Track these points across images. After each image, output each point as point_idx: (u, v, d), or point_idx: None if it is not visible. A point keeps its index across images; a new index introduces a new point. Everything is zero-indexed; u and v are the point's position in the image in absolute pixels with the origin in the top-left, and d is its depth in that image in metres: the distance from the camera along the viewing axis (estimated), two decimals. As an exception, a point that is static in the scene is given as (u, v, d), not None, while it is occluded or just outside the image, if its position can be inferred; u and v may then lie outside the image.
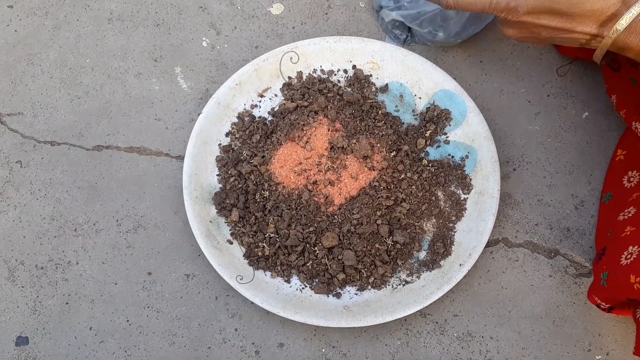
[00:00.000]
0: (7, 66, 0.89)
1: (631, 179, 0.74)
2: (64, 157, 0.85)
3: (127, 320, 0.78)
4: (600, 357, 0.74)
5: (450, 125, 0.82)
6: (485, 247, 0.76)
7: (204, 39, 0.90)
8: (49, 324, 0.78)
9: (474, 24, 0.83)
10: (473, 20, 0.82)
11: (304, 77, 0.85)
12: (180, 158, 0.84)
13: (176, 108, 0.87)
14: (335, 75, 0.86)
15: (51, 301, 0.79)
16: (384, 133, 0.81)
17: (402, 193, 0.78)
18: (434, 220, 0.78)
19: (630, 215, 0.69)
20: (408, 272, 0.76)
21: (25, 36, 0.91)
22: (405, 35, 0.87)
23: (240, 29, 0.90)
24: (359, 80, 0.85)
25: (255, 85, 0.84)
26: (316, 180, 0.79)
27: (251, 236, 0.78)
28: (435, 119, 0.82)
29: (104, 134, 0.86)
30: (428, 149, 0.82)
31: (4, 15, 0.92)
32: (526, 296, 0.76)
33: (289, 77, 0.85)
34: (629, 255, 0.63)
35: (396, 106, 0.84)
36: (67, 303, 0.79)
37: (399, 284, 0.76)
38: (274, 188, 0.79)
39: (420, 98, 0.84)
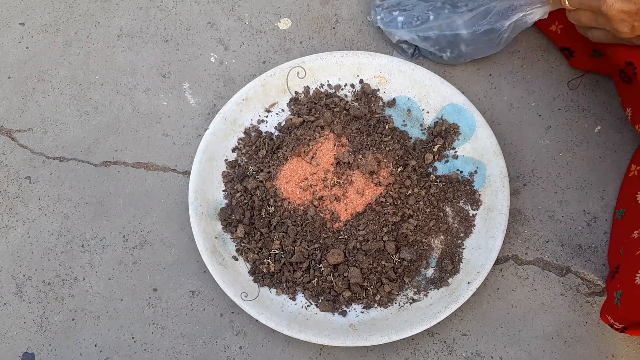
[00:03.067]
0: (18, 82, 0.90)
1: (645, 196, 0.72)
2: (72, 172, 0.85)
3: (132, 337, 0.77)
4: (614, 378, 0.72)
5: (458, 139, 0.81)
6: (494, 264, 0.74)
7: (212, 54, 0.90)
8: (55, 340, 0.78)
9: (484, 48, 0.81)
10: (484, 44, 0.81)
11: (311, 92, 0.85)
12: (187, 173, 0.84)
13: (184, 123, 0.87)
14: (342, 89, 0.85)
15: (57, 317, 0.79)
16: (390, 148, 0.80)
17: (409, 209, 0.77)
18: (441, 236, 0.77)
19: (644, 233, 0.67)
20: (415, 290, 0.75)
21: (37, 53, 0.92)
22: (412, 49, 0.86)
23: (248, 45, 0.90)
24: (366, 94, 0.84)
25: (262, 101, 0.84)
26: (322, 196, 0.78)
27: (256, 252, 0.77)
28: (444, 133, 0.81)
29: (112, 150, 0.86)
30: (436, 164, 0.81)
31: (16, 32, 0.93)
32: (537, 315, 0.75)
33: (296, 92, 0.85)
34: (643, 275, 0.62)
35: (404, 121, 0.84)
36: (73, 319, 0.79)
37: (406, 302, 0.74)
38: (280, 204, 0.78)
39: (428, 112, 0.83)
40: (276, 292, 0.76)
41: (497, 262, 0.77)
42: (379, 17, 0.86)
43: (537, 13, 0.72)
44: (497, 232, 0.74)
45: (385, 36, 0.88)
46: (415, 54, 0.86)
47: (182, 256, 0.80)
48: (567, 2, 0.59)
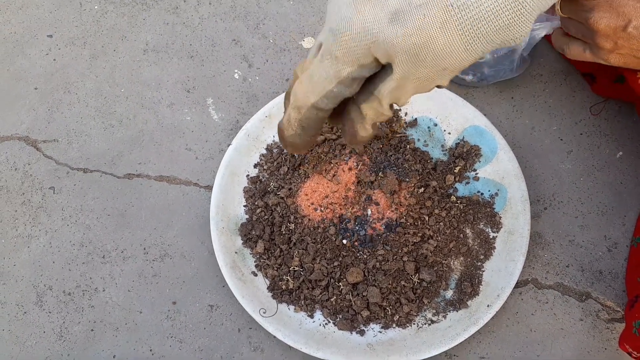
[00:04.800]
0: (44, 94, 0.92)
1: (666, 223, 0.72)
2: (96, 184, 0.86)
3: (150, 350, 0.78)
4: (633, 407, 0.71)
5: (480, 161, 0.81)
6: (514, 287, 0.74)
7: (236, 71, 0.91)
8: (74, 350, 0.78)
9: (505, 70, 0.82)
10: (506, 66, 0.81)
11: (334, 111, 0.85)
12: (209, 188, 0.84)
13: (207, 138, 0.88)
14: (364, 109, 0.86)
15: (77, 327, 0.79)
16: (412, 168, 0.80)
17: (429, 230, 0.77)
18: (461, 258, 0.77)
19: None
20: (434, 311, 0.75)
21: (64, 65, 0.93)
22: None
23: (272, 62, 0.91)
24: (389, 114, 0.85)
25: (284, 118, 0.85)
26: (342, 215, 0.78)
27: (276, 269, 0.77)
28: (465, 155, 0.81)
29: (135, 163, 0.87)
30: (457, 185, 0.81)
31: (44, 44, 0.95)
32: (556, 340, 0.74)
33: (319, 110, 0.86)
34: (662, 304, 0.61)
35: (425, 141, 0.84)
36: (92, 330, 0.79)
37: (425, 323, 0.74)
38: (300, 221, 0.79)
39: (449, 133, 0.84)
40: (294, 309, 0.76)
41: (517, 285, 0.77)
42: None
43: (545, 28, 0.74)
44: (517, 256, 0.74)
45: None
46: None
47: (201, 270, 0.81)
48: (559, 9, 0.59)
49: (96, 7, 0.97)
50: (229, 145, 0.83)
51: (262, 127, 0.84)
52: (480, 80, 0.84)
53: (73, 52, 0.94)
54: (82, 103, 0.91)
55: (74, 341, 0.79)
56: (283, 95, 0.84)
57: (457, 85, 0.87)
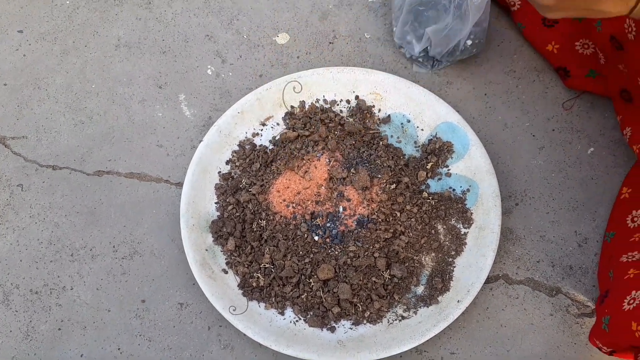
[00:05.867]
0: (14, 90, 0.90)
1: (635, 219, 0.72)
2: (65, 181, 0.85)
3: (119, 349, 0.77)
4: (602, 401, 0.71)
5: (452, 158, 0.81)
6: (484, 283, 0.74)
7: (209, 66, 0.91)
8: (41, 349, 0.77)
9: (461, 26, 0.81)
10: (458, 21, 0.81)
11: (307, 107, 0.85)
12: (180, 185, 0.84)
13: (178, 135, 0.87)
14: (337, 105, 0.85)
15: (44, 326, 0.78)
16: (384, 164, 0.80)
17: (401, 226, 0.77)
18: (433, 254, 0.77)
19: (634, 259, 0.67)
20: (405, 307, 0.75)
21: (34, 61, 0.92)
22: (431, 62, 0.86)
23: (246, 58, 0.91)
24: (362, 110, 0.84)
25: (257, 114, 0.84)
26: (314, 211, 0.78)
27: (246, 266, 0.77)
28: (437, 151, 0.81)
29: (105, 159, 0.86)
30: (429, 181, 0.81)
31: (14, 40, 0.93)
32: (526, 335, 0.74)
33: (292, 107, 0.85)
34: (632, 301, 0.61)
35: (398, 137, 0.84)
36: (59, 329, 0.78)
37: (395, 319, 0.74)
38: (272, 217, 0.78)
39: (422, 130, 0.83)
40: (265, 306, 0.76)
41: (488, 281, 0.77)
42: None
43: None
44: (488, 251, 0.74)
45: (382, 53, 0.89)
46: (435, 65, 0.87)
47: (171, 268, 0.80)
48: None
49: (67, 2, 0.95)
50: (200, 141, 0.82)
51: (235, 124, 0.83)
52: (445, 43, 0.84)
53: (43, 48, 0.93)
54: (52, 99, 0.90)
55: (41, 340, 0.77)
56: (256, 91, 0.83)
57: (431, 82, 0.87)
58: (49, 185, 0.85)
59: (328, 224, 0.77)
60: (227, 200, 0.80)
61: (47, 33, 0.94)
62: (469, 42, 0.83)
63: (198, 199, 0.80)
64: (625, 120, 0.75)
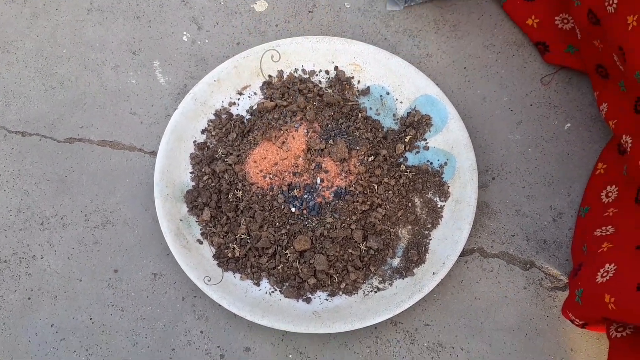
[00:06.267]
0: (-19, 53, 0.87)
1: (609, 194, 0.73)
2: (35, 148, 0.82)
3: (90, 318, 0.76)
4: (572, 372, 0.73)
5: (430, 131, 0.81)
6: (460, 256, 0.74)
7: (184, 33, 0.88)
8: (10, 319, 0.76)
9: None
10: None
11: (285, 76, 0.84)
12: (154, 154, 0.82)
13: (152, 102, 0.85)
14: (316, 75, 0.84)
15: (13, 296, 0.76)
16: (362, 137, 0.79)
17: (378, 198, 0.77)
18: (409, 227, 0.77)
19: (608, 232, 0.68)
20: (380, 279, 0.75)
21: (2, 24, 0.89)
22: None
23: (222, 25, 0.89)
24: (341, 81, 0.83)
25: (234, 83, 0.83)
26: (291, 182, 0.77)
27: (222, 237, 0.76)
28: (416, 124, 0.81)
29: (77, 126, 0.83)
30: (407, 154, 0.80)
31: (-19, 1, 0.90)
32: (499, 308, 0.75)
33: (270, 76, 0.84)
34: (605, 273, 0.62)
35: (377, 110, 0.83)
36: (29, 298, 0.76)
37: (371, 291, 0.74)
38: (248, 188, 0.77)
39: (401, 102, 0.83)
40: (240, 277, 0.75)
41: (463, 254, 0.77)
42: None
43: None
44: (464, 224, 0.74)
45: (362, 24, 0.87)
46: (407, 1, 0.87)
47: (145, 238, 0.79)
48: None
49: (37, -38, 0.92)
50: (175, 109, 0.80)
51: (211, 92, 0.82)
52: None
53: (13, 10, 0.90)
54: (21, 63, 0.87)
55: (10, 310, 0.76)
56: (233, 59, 0.82)
57: (412, 52, 0.86)
58: (18, 152, 0.82)
59: (305, 196, 0.77)
60: (203, 170, 0.79)
61: (16, -6, 0.90)
62: None
63: (172, 168, 0.78)
64: (601, 96, 0.76)
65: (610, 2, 0.65)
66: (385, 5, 0.87)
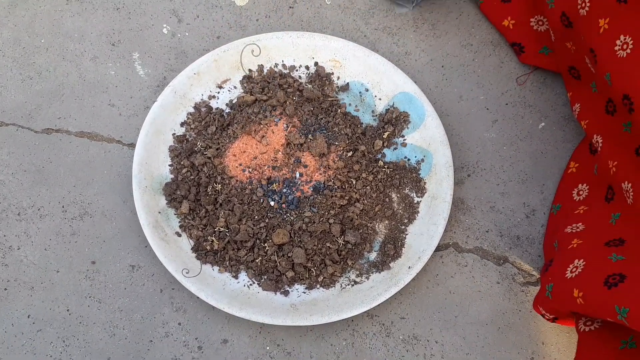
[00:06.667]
0: (-44, 41, 0.86)
1: (580, 192, 0.75)
2: (11, 138, 0.82)
3: (67, 310, 0.75)
4: (542, 365, 0.75)
5: (408, 128, 0.82)
6: (435, 251, 0.76)
7: (164, 25, 0.88)
8: (-15, 310, 0.75)
9: None
10: None
11: (265, 71, 0.84)
12: (132, 146, 0.82)
13: (131, 94, 0.85)
14: (296, 70, 0.85)
15: (-12, 287, 0.76)
16: (342, 132, 0.80)
17: (356, 193, 0.78)
18: (386, 221, 0.78)
19: (578, 229, 0.70)
20: (357, 272, 0.76)
21: (-22, 11, 0.87)
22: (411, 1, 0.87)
23: (203, 18, 0.89)
24: (320, 77, 0.84)
25: (214, 76, 0.83)
26: (270, 176, 0.78)
27: (200, 229, 0.76)
28: (394, 121, 0.82)
29: (54, 117, 0.83)
30: (385, 150, 0.82)
31: (-44, -12, 0.88)
32: (473, 302, 0.77)
33: (250, 70, 0.84)
34: (574, 269, 0.64)
35: (356, 106, 0.84)
36: (5, 289, 0.76)
37: (348, 284, 0.75)
38: (227, 182, 0.77)
39: (380, 99, 0.84)
40: (219, 269, 0.75)
41: (438, 248, 0.78)
42: None
43: None
44: (439, 220, 0.76)
45: (342, 20, 0.88)
46: (415, 2, 0.88)
47: (123, 230, 0.79)
48: None
49: (15, -50, 0.91)
50: (154, 102, 0.80)
51: (190, 85, 0.82)
52: None
53: (-11, -2, 0.89)
54: (-3, 52, 0.86)
55: (-15, 301, 0.75)
56: (213, 52, 0.82)
57: (391, 50, 0.87)
58: (-6, 142, 0.82)
59: (284, 190, 0.77)
60: (182, 162, 0.79)
61: (-7, -18, 0.89)
62: None
63: (151, 160, 0.78)
64: (574, 97, 0.78)
65: (583, 4, 0.67)
66: (394, 10, 0.88)
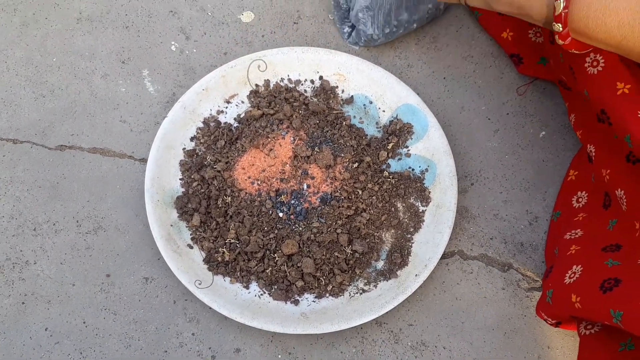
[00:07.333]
0: (-29, 61, 0.88)
1: (580, 200, 0.77)
2: (26, 155, 0.84)
3: (84, 322, 0.77)
4: (547, 369, 0.77)
5: (412, 138, 0.84)
6: (441, 258, 0.78)
7: (173, 43, 0.91)
8: (4, 323, 0.77)
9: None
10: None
11: (271, 86, 0.86)
12: (144, 161, 0.84)
13: (142, 111, 0.87)
14: (302, 85, 0.87)
15: (7, 301, 0.78)
16: (347, 144, 0.82)
17: (362, 203, 0.80)
18: (392, 230, 0.80)
19: (576, 236, 0.71)
20: (365, 281, 0.78)
21: (-9, 32, 0.90)
22: (349, 29, 0.90)
23: (210, 35, 0.91)
24: (325, 91, 0.86)
25: (222, 92, 0.85)
26: (279, 188, 0.80)
27: (212, 241, 0.78)
28: (398, 132, 0.84)
29: (67, 134, 0.85)
30: (390, 161, 0.84)
31: (-30, 10, 0.91)
32: (479, 308, 0.79)
33: (256, 85, 0.86)
34: (572, 275, 0.65)
35: (360, 118, 0.86)
36: (23, 303, 0.78)
37: (356, 293, 0.77)
38: (237, 194, 0.79)
39: (384, 111, 0.86)
40: (230, 280, 0.77)
41: (444, 256, 0.80)
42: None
43: None
44: (444, 228, 0.78)
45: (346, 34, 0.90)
46: (351, 34, 0.90)
47: (136, 243, 0.81)
48: None
49: (26, -28, 0.93)
50: (164, 117, 0.82)
51: (199, 100, 0.84)
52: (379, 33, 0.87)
53: (2, 19, 0.91)
54: (11, 72, 0.88)
55: (5, 314, 0.77)
56: (221, 69, 0.84)
57: (392, 65, 0.89)
58: (9, 159, 0.84)
59: (292, 201, 0.80)
60: (192, 176, 0.81)
61: (6, 4, 0.92)
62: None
63: (162, 174, 0.80)
64: (571, 107, 0.80)
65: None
66: (346, 39, 0.91)
